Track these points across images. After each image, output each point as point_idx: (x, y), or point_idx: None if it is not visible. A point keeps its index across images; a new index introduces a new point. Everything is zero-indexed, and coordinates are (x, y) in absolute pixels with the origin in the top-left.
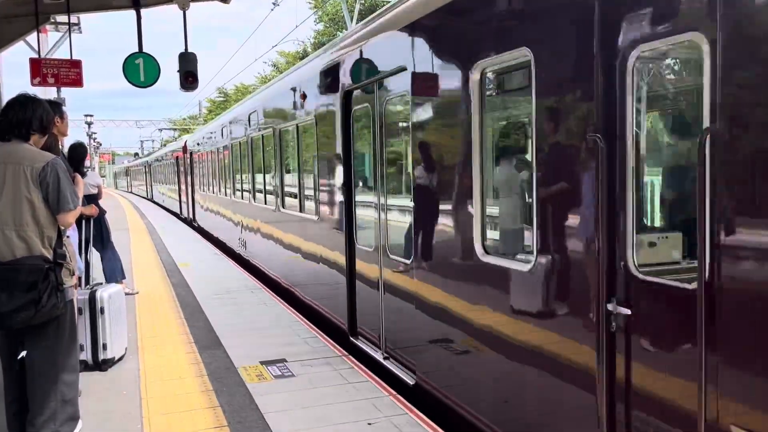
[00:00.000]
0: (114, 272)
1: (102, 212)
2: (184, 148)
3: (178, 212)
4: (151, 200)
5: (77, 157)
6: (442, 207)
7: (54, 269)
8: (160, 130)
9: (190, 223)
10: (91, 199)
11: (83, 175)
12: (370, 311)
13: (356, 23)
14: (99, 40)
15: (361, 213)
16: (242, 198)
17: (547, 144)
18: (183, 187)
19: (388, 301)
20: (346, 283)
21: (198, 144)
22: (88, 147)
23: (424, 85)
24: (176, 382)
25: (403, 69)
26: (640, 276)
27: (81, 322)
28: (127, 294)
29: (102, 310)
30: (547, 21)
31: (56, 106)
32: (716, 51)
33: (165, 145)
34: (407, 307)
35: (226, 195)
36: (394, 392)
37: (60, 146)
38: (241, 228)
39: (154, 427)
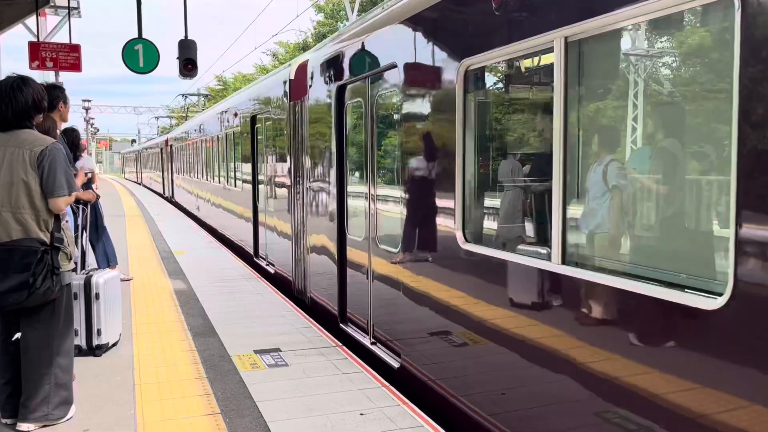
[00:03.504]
0: (108, 256)
1: (96, 197)
2: (295, 86)
3: (251, 251)
4: (170, 200)
5: (72, 141)
6: None
7: (50, 252)
8: (184, 96)
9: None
10: (85, 184)
11: (77, 159)
12: None
13: (357, 14)
14: (99, 26)
15: None
16: None
17: None
18: (266, 200)
19: None
20: None
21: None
22: (85, 132)
23: None
24: (170, 369)
25: None
26: None
27: (76, 307)
28: (121, 280)
29: (97, 296)
30: None
31: (60, 90)
32: None
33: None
34: None
35: None
36: (387, 383)
37: (58, 130)
38: None
39: (147, 413)
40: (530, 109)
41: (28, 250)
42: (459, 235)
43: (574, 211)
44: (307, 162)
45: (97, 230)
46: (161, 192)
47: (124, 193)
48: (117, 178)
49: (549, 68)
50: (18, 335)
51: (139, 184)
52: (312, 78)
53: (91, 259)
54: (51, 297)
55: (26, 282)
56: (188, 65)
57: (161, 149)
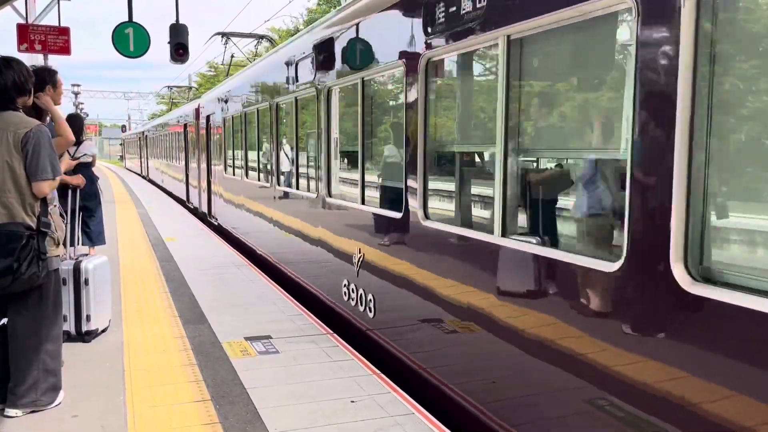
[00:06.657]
0: (100, 236)
1: (96, 178)
2: None
3: None
4: (210, 222)
5: (76, 126)
6: None
7: (36, 237)
8: (224, 36)
9: None
10: (86, 166)
11: (80, 143)
12: None
13: None
14: (88, 11)
15: None
16: None
17: None
18: None
19: None
20: None
21: None
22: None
23: None
24: (160, 356)
25: None
26: None
27: (65, 292)
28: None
29: (86, 282)
30: None
31: (51, 73)
32: None
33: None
34: None
35: None
36: (377, 371)
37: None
38: None
39: (136, 399)
40: None
41: (12, 235)
42: None
43: None
44: None
45: (94, 208)
46: (183, 198)
47: (114, 179)
48: (114, 167)
49: None
50: (4, 321)
51: (144, 177)
52: None
53: (82, 246)
54: (37, 282)
55: (11, 267)
56: (179, 50)
57: (185, 127)
